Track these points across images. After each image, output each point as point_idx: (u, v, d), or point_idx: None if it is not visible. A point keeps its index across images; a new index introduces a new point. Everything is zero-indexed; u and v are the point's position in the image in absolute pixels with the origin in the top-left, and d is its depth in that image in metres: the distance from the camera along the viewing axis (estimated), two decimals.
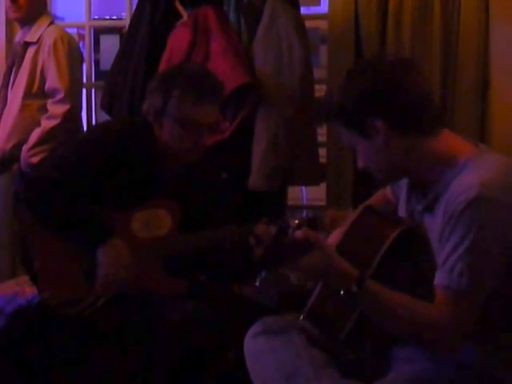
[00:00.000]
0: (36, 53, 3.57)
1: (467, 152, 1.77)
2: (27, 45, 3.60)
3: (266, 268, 1.74)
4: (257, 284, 1.77)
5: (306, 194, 5.15)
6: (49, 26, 3.61)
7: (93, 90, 4.11)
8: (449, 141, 1.80)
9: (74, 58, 3.61)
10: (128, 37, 3.52)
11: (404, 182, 1.95)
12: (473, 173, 1.70)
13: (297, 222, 1.78)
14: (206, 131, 2.42)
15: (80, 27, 4.15)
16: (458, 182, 1.71)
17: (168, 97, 2.39)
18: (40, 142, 3.51)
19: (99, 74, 4.14)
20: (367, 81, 1.77)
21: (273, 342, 1.88)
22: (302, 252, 1.71)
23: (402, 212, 1.96)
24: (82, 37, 4.26)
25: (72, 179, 2.37)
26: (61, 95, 3.51)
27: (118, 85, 3.45)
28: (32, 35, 3.59)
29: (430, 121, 1.78)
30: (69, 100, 3.51)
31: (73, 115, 3.56)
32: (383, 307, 1.72)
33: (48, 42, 3.54)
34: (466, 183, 1.68)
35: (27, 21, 3.61)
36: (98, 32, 4.19)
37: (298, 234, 1.72)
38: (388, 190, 2.11)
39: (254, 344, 1.92)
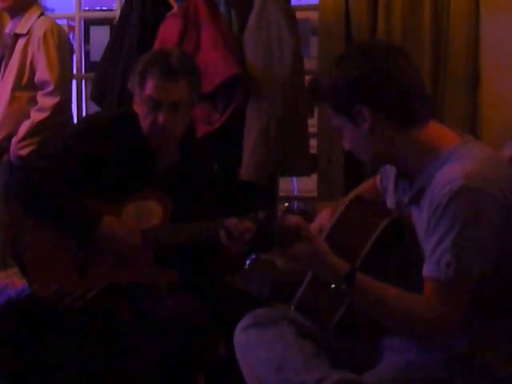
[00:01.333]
0: (26, 45, 3.55)
1: (451, 142, 1.77)
2: (17, 36, 3.58)
3: (256, 251, 1.74)
4: (246, 267, 1.77)
5: (298, 185, 5.17)
6: (39, 17, 3.59)
7: (83, 82, 4.10)
8: (434, 131, 1.80)
9: (64, 49, 3.59)
10: (118, 28, 3.51)
11: (392, 173, 1.95)
12: (456, 164, 1.70)
13: (286, 204, 1.78)
14: (168, 110, 2.37)
15: (70, 18, 4.13)
16: (441, 174, 1.71)
17: (135, 75, 2.40)
18: (29, 134, 3.50)
19: (89, 66, 4.14)
20: (356, 68, 1.77)
21: (263, 334, 1.88)
22: (291, 239, 1.72)
23: (389, 203, 1.97)
24: (72, 28, 4.25)
25: (60, 170, 2.37)
26: (50, 88, 3.49)
27: (108, 76, 3.44)
28: (22, 27, 3.57)
29: (417, 111, 1.78)
30: (58, 93, 3.50)
31: (62, 108, 3.54)
32: (373, 300, 1.73)
33: (38, 33, 3.52)
34: (449, 175, 1.69)
35: (16, 11, 3.59)
36: (88, 23, 4.18)
37: (291, 220, 1.73)
38: (378, 179, 2.12)
39: (245, 336, 1.92)
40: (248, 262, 1.76)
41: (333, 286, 1.73)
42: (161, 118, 2.37)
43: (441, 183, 1.69)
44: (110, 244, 2.37)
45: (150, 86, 2.36)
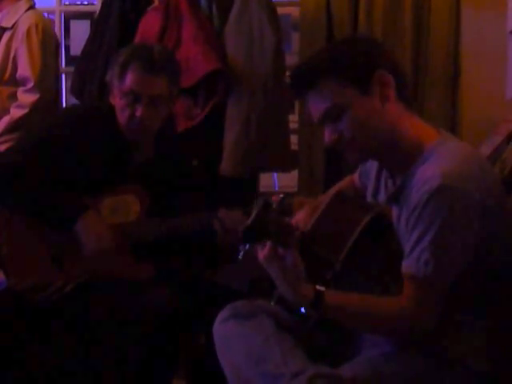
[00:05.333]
0: (10, 39, 3.51)
1: (431, 139, 1.78)
2: (3, 30, 3.54)
3: (249, 241, 1.73)
4: (239, 257, 1.76)
5: (278, 181, 5.17)
6: (27, 10, 3.54)
7: (63, 76, 4.07)
8: (417, 126, 1.81)
9: (48, 46, 3.54)
10: (99, 22, 3.48)
11: (372, 173, 1.95)
12: (434, 163, 1.71)
13: (281, 195, 1.78)
14: (146, 104, 2.35)
15: (50, 12, 4.09)
16: (421, 173, 1.72)
17: (114, 67, 2.39)
18: (7, 130, 3.46)
19: (69, 60, 4.10)
20: (370, 41, 1.86)
21: (242, 326, 1.88)
22: (284, 233, 1.72)
23: (369, 200, 1.97)
24: (52, 22, 4.20)
25: (35, 164, 2.35)
26: (31, 84, 3.46)
27: (88, 70, 3.42)
28: (8, 20, 3.53)
29: (409, 95, 1.83)
30: (38, 90, 3.46)
31: (42, 105, 3.49)
32: (348, 316, 1.76)
33: (22, 28, 3.48)
34: (428, 174, 1.69)
35: (5, 4, 3.54)
36: (68, 17, 4.14)
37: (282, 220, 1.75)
38: (356, 178, 2.11)
39: (223, 329, 1.91)
40: (241, 253, 1.75)
41: (302, 310, 1.76)
42: (139, 111, 2.35)
43: (419, 182, 1.70)
44: (84, 238, 2.35)
45: (130, 79, 2.35)
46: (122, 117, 2.40)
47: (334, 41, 1.92)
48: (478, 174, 1.71)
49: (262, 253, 1.74)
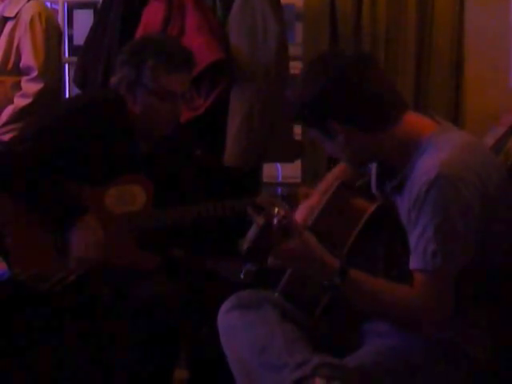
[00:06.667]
0: (13, 28, 3.50)
1: (428, 131, 1.78)
2: (6, 20, 3.53)
3: (252, 261, 1.73)
4: (242, 277, 1.77)
5: (282, 171, 5.15)
6: (29, 0, 3.53)
7: (66, 66, 4.06)
8: (411, 123, 1.80)
9: (52, 35, 3.53)
10: (102, 12, 3.47)
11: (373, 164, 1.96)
12: (433, 153, 1.71)
13: (282, 213, 1.74)
14: (181, 101, 2.41)
15: (53, 2, 4.08)
16: (420, 164, 1.72)
17: (141, 68, 2.38)
18: (12, 120, 3.46)
19: (73, 50, 4.09)
20: (319, 84, 1.76)
21: (246, 316, 1.88)
22: (282, 239, 1.71)
23: (373, 189, 1.97)
24: (55, 12, 4.19)
25: (39, 154, 2.35)
26: (35, 73, 3.45)
27: (91, 60, 3.41)
28: (11, 10, 3.51)
29: (389, 113, 1.78)
30: (42, 79, 3.45)
31: (47, 94, 3.49)
32: (366, 294, 1.74)
33: (25, 17, 3.47)
34: (426, 165, 1.69)
35: None
36: (71, 7, 4.13)
37: (276, 222, 1.71)
38: None
39: (228, 319, 1.91)
40: (243, 272, 1.77)
41: (325, 283, 1.73)
42: (179, 110, 2.42)
43: (419, 173, 1.70)
44: (73, 243, 2.35)
45: (166, 79, 2.37)
46: (156, 116, 2.41)
47: (310, 63, 1.86)
48: (477, 162, 1.72)
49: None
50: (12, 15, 3.51)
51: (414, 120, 1.81)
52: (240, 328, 1.86)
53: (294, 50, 3.48)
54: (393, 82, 1.87)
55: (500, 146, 2.55)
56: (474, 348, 1.77)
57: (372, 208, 1.85)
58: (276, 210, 1.67)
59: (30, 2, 3.53)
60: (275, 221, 1.66)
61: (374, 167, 1.95)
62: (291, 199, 2.24)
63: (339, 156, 1.91)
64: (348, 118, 1.76)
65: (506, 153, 2.46)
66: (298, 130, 3.52)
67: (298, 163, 3.58)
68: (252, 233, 1.71)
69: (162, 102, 2.39)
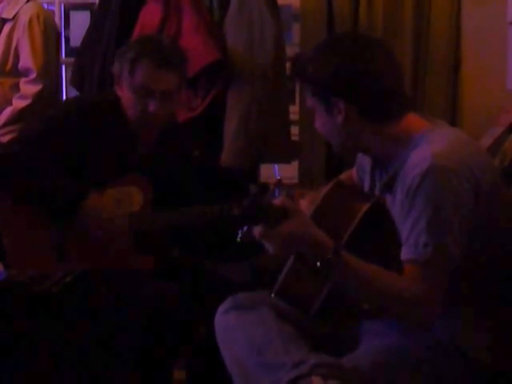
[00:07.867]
0: (11, 30, 3.50)
1: (421, 128, 1.78)
2: (4, 21, 3.53)
3: (246, 223, 1.73)
4: (238, 239, 1.76)
5: (279, 172, 5.16)
6: (27, 1, 3.53)
7: (63, 67, 4.06)
8: (408, 123, 1.80)
9: (50, 36, 3.54)
10: (99, 13, 3.48)
11: (367, 165, 1.96)
12: (426, 146, 1.71)
13: (278, 178, 1.77)
14: (158, 100, 2.36)
15: (50, 3, 4.09)
16: (411, 158, 1.72)
17: (123, 61, 2.38)
18: (10, 121, 3.46)
19: (69, 51, 4.10)
20: (336, 62, 1.77)
21: (243, 317, 1.88)
22: (278, 219, 1.70)
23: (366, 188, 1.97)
24: (52, 13, 4.20)
25: (37, 155, 2.35)
26: (33, 75, 3.45)
27: (88, 61, 3.42)
28: (9, 11, 3.52)
29: (392, 108, 1.78)
30: (41, 80, 3.46)
31: (45, 96, 3.49)
32: (358, 278, 1.70)
33: (23, 19, 3.47)
34: (418, 157, 1.69)
35: None
36: (68, 8, 4.14)
37: (276, 201, 1.72)
38: (354, 172, 2.12)
39: (225, 320, 1.91)
40: (240, 235, 1.75)
41: (318, 264, 1.72)
42: (152, 106, 2.35)
43: (411, 166, 1.70)
44: (94, 222, 2.35)
45: (142, 75, 2.34)
46: (133, 111, 2.39)
47: (334, 36, 1.87)
48: (470, 157, 1.71)
49: (257, 231, 1.72)
50: (10, 17, 3.51)
51: (412, 120, 1.81)
52: (237, 328, 1.86)
53: (291, 50, 3.49)
54: (401, 77, 1.87)
55: (497, 147, 2.56)
56: (474, 348, 1.77)
57: (366, 206, 1.86)
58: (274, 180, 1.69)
59: (28, 3, 3.54)
60: (272, 186, 1.69)
61: (367, 176, 1.95)
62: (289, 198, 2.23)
63: (328, 135, 1.87)
64: (355, 102, 1.76)
65: (503, 153, 2.47)
66: (295, 130, 3.53)
67: (295, 164, 3.58)
68: (250, 196, 1.73)
69: (138, 97, 2.36)
